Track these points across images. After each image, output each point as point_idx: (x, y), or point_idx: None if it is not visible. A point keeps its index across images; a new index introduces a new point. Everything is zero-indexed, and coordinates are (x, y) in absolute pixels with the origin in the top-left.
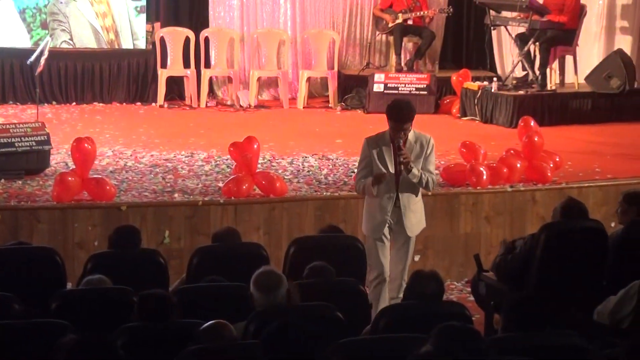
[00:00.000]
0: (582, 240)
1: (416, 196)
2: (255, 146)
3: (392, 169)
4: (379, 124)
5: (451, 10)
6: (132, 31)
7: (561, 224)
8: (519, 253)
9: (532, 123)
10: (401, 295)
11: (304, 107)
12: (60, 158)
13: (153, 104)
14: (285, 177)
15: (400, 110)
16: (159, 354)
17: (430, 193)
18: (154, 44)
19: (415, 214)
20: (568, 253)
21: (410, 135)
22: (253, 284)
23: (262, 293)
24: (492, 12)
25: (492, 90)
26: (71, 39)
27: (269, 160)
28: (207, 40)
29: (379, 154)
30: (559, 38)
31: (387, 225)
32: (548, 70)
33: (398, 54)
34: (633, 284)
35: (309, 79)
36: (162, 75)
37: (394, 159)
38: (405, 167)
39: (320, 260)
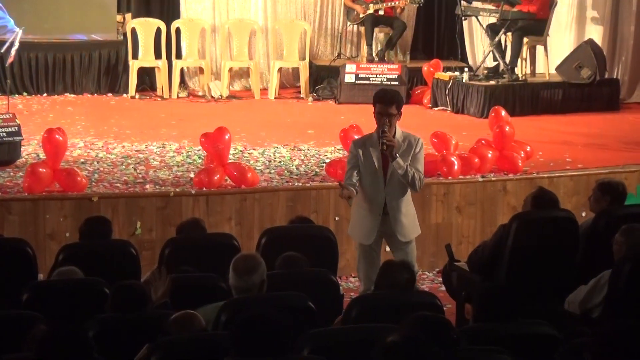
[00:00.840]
0: (553, 230)
1: (405, 198)
2: (227, 137)
3: (379, 168)
4: (351, 114)
5: (422, 0)
6: None
7: (532, 213)
8: (490, 243)
9: (503, 113)
10: None
11: (275, 98)
12: (31, 149)
13: (124, 95)
14: (257, 167)
15: (385, 92)
16: (130, 344)
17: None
18: (125, 34)
19: (407, 217)
20: (539, 243)
21: (398, 134)
22: (231, 265)
23: (235, 274)
24: (463, 3)
25: (463, 81)
26: None
27: (241, 150)
28: (178, 31)
29: (365, 153)
30: (530, 28)
31: (377, 231)
32: (519, 60)
33: (369, 45)
34: (603, 273)
35: (280, 70)
36: (134, 66)
37: (380, 144)
38: (390, 151)
39: (291, 250)
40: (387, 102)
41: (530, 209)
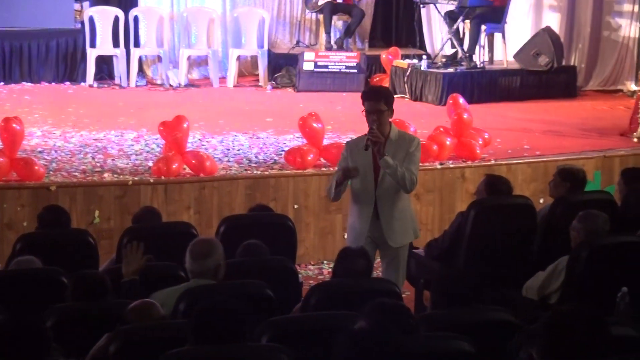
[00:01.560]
0: (511, 216)
1: (399, 202)
2: (185, 125)
3: (369, 170)
4: (310, 102)
5: None
6: None
7: (490, 200)
8: (449, 230)
9: (461, 100)
10: None
11: (234, 86)
12: None
13: (82, 84)
14: (216, 156)
15: (372, 89)
16: (88, 333)
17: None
18: (82, 23)
19: (400, 222)
20: (497, 229)
21: (394, 133)
22: (187, 249)
23: (190, 258)
24: None
25: (422, 68)
26: None
27: (199, 139)
28: (136, 19)
29: (356, 154)
30: (488, 15)
31: (367, 236)
32: (477, 47)
33: (328, 32)
34: (561, 259)
35: (239, 58)
36: (91, 54)
37: (372, 155)
38: (377, 149)
39: (250, 238)
40: (375, 98)
41: (486, 196)
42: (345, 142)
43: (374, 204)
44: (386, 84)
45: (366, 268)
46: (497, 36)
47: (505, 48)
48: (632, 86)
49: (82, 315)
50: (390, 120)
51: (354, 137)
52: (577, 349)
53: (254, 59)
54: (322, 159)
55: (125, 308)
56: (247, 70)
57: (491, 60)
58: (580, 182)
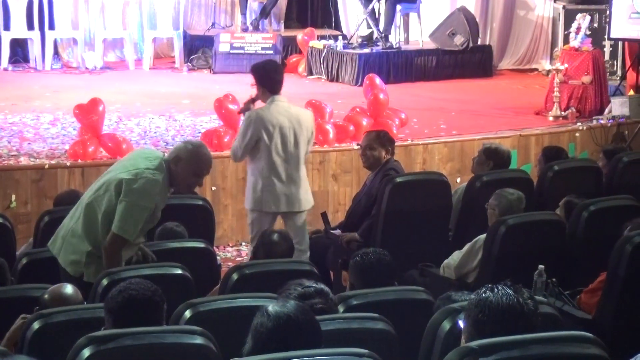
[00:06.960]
0: (426, 192)
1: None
2: (101, 108)
3: None
4: (226, 84)
5: None
6: None
7: (405, 177)
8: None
9: (378, 80)
10: None
11: (150, 68)
12: None
13: None
14: (132, 138)
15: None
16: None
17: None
18: None
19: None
20: (412, 206)
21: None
22: None
23: None
24: None
25: (338, 49)
26: None
27: (116, 122)
28: (50, 1)
29: None
30: None
31: None
32: (393, 27)
33: (243, 14)
34: (478, 238)
35: (154, 40)
36: (6, 37)
37: None
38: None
39: (168, 220)
40: None
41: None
42: None
43: None
44: (302, 65)
45: (287, 251)
46: (413, 16)
47: (420, 28)
48: (547, 65)
49: None
50: (269, 95)
51: None
52: (505, 326)
53: (170, 41)
54: None
55: (42, 292)
56: (163, 52)
57: (407, 40)
58: (504, 162)
